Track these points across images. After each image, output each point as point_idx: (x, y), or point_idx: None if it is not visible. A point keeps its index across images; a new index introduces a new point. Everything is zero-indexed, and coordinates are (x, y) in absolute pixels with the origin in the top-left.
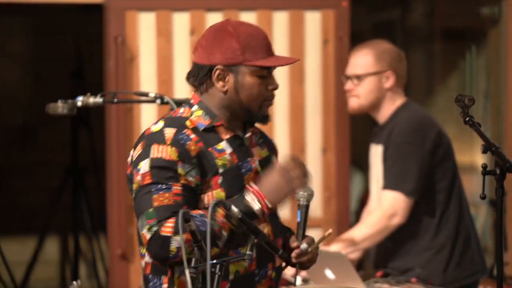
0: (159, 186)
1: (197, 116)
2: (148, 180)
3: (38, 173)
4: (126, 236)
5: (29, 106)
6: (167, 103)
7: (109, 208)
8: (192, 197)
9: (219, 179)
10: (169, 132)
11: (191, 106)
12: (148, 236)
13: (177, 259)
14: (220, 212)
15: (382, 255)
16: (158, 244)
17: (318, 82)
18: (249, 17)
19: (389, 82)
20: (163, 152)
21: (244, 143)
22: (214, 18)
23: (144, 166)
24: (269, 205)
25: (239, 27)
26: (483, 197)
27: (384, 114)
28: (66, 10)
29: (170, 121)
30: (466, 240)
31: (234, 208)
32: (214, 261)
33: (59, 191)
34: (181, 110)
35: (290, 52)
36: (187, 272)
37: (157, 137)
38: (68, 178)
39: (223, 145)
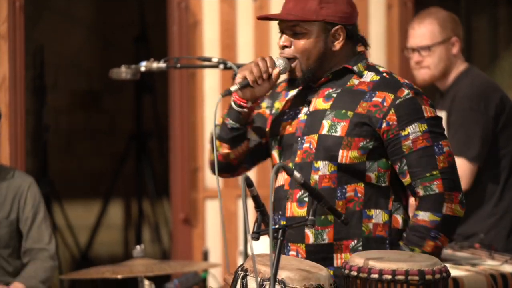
0: None
1: None
2: None
3: (102, 138)
4: (189, 200)
5: (93, 71)
6: (230, 68)
7: (172, 173)
8: (261, 122)
9: (271, 118)
10: None
11: None
12: None
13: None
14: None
15: None
16: None
17: (382, 46)
18: None
19: (455, 48)
20: None
21: (312, 94)
22: None
23: None
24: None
25: None
26: None
27: (447, 80)
28: None
29: None
30: None
31: (297, 173)
32: (277, 226)
33: (122, 156)
34: None
35: None
36: (249, 237)
37: None
38: (132, 143)
39: (291, 92)
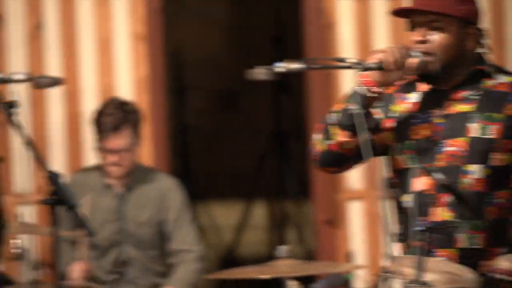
0: None
1: None
2: None
3: (242, 138)
4: (331, 202)
5: (232, 72)
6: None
7: (313, 174)
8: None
9: (391, 123)
10: None
11: None
12: None
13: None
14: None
15: None
16: None
17: None
18: None
19: None
20: None
21: (444, 97)
22: None
23: None
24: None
25: None
26: None
27: None
28: None
29: None
30: None
31: (440, 175)
32: (420, 228)
33: (263, 157)
34: None
35: (488, 16)
36: (390, 239)
37: None
38: (272, 143)
39: (412, 94)
